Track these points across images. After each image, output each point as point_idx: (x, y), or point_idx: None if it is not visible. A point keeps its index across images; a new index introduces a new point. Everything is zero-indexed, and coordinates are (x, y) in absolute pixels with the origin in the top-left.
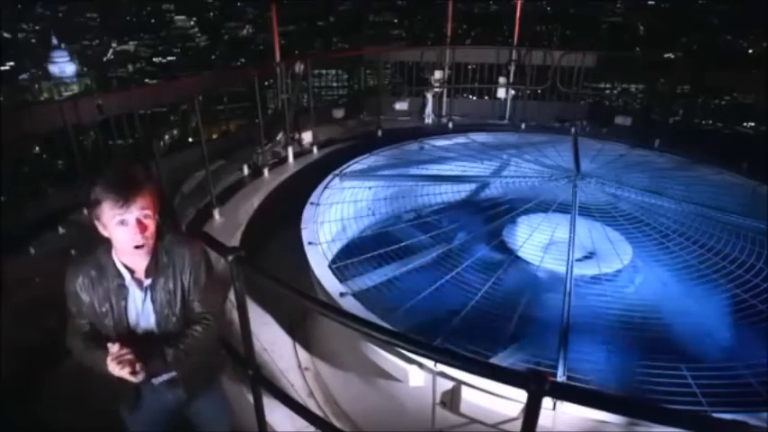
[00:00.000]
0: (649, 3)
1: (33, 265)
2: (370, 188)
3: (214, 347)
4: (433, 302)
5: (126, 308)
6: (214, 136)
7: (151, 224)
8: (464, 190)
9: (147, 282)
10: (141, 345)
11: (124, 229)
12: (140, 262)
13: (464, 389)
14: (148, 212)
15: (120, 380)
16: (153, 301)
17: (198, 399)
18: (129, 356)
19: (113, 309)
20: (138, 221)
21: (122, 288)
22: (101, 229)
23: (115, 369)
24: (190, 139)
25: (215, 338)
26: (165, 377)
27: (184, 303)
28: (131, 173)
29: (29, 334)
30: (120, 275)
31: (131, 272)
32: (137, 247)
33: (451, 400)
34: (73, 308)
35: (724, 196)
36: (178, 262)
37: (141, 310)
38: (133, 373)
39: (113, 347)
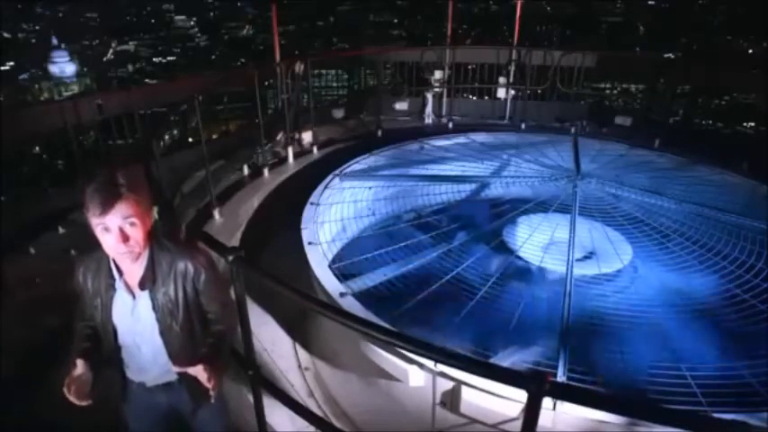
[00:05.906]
0: (649, 3)
1: (33, 265)
2: (370, 188)
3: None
4: (433, 302)
5: (111, 308)
6: (214, 136)
7: (136, 232)
8: (464, 190)
9: (142, 292)
10: (128, 354)
11: (109, 235)
12: (130, 267)
13: (464, 389)
14: (133, 219)
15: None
16: (155, 310)
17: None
18: (76, 388)
19: (101, 307)
20: (121, 230)
21: (110, 288)
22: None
23: (65, 387)
24: (190, 139)
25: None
26: (161, 380)
27: (188, 312)
28: (114, 177)
29: (29, 334)
30: (111, 275)
31: (120, 273)
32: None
33: (451, 400)
34: (79, 294)
35: (724, 196)
36: (179, 270)
37: (130, 316)
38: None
39: (78, 368)
